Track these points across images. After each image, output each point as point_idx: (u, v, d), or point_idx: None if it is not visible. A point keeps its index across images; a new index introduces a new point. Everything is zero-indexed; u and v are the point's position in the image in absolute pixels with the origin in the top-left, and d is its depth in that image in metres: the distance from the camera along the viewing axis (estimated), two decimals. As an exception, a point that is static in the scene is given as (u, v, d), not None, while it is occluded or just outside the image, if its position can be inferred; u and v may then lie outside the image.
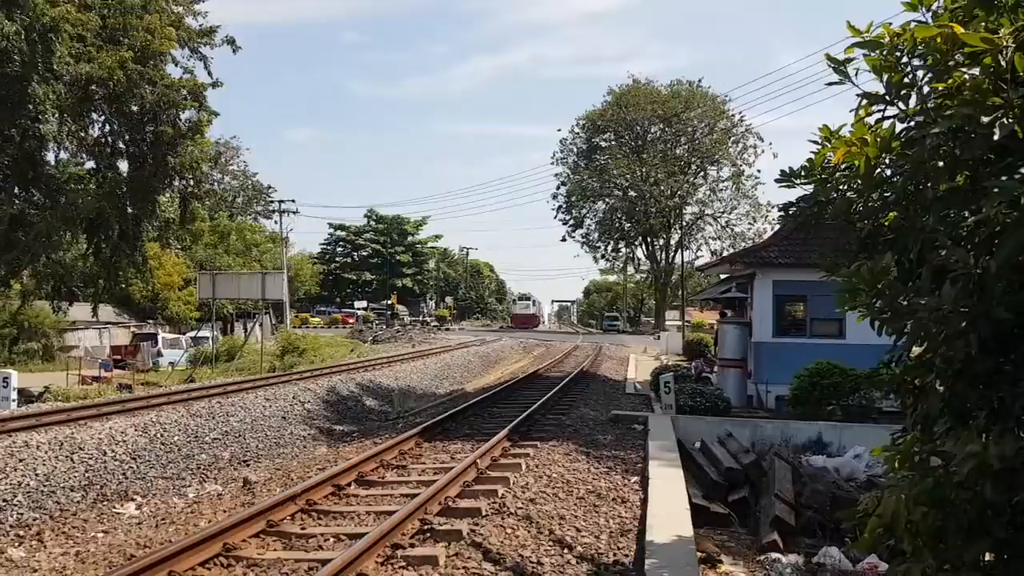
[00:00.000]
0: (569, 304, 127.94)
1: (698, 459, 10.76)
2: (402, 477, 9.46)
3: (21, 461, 8.69)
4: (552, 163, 68.77)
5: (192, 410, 12.24)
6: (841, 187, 4.03)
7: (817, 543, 8.35)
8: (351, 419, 15.34)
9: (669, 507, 7.30)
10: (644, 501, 7.99)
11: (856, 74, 3.75)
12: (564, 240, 69.09)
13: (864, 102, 3.77)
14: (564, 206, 68.02)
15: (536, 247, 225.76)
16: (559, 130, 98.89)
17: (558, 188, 67.94)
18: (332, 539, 6.80)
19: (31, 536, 7.48)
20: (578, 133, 66.99)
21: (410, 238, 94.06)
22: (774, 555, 7.68)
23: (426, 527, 6.98)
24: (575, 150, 67.50)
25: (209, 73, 24.38)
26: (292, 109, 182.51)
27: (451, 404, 17.10)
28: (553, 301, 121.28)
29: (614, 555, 6.44)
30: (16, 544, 7.25)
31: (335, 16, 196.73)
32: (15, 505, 7.94)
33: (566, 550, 6.58)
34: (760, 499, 9.64)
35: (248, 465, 10.97)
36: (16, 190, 21.80)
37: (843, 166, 3.95)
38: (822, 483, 9.76)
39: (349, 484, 8.91)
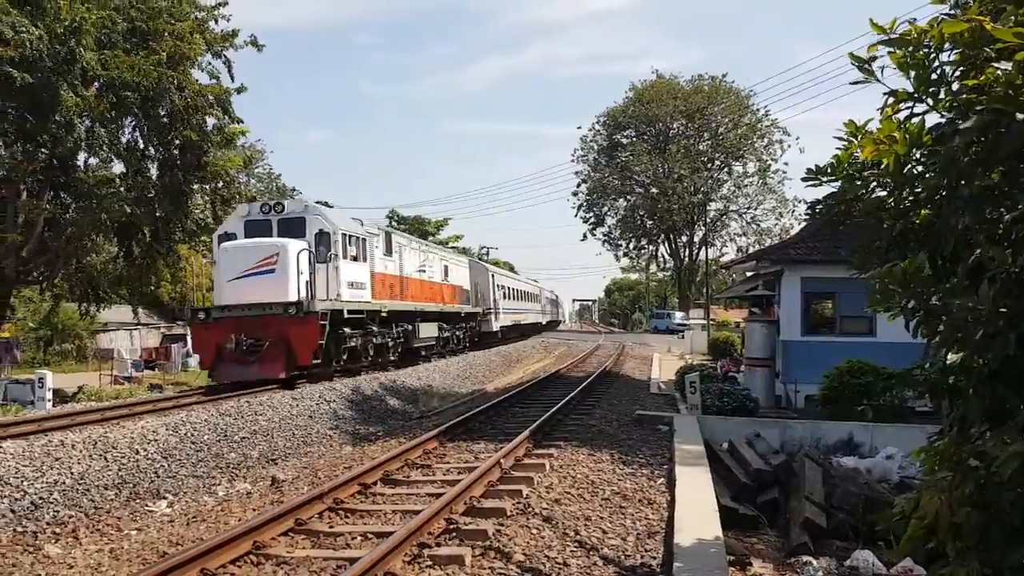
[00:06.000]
0: (590, 303, 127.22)
1: (726, 460, 10.66)
2: (427, 476, 9.51)
3: (57, 460, 8.85)
4: (572, 161, 68.56)
5: (221, 409, 12.39)
6: (870, 184, 3.98)
7: (849, 546, 8.23)
8: (375, 418, 15.42)
9: (697, 509, 7.24)
10: (671, 503, 7.93)
11: (882, 71, 3.69)
12: (584, 238, 68.77)
13: (891, 100, 3.71)
14: (585, 204, 67.78)
15: (557, 246, 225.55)
16: (579, 128, 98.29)
17: (578, 186, 67.73)
18: (359, 537, 6.85)
19: (67, 533, 7.61)
20: (599, 130, 66.77)
21: (431, 238, 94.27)
22: (805, 558, 7.58)
23: (452, 527, 7.01)
24: (596, 147, 67.26)
25: (232, 78, 24.69)
26: (313, 111, 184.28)
27: (473, 404, 17.15)
28: (574, 300, 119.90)
29: (641, 557, 6.41)
30: (53, 541, 7.39)
31: (347, 19, 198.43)
32: (51, 503, 8.09)
33: (592, 552, 6.56)
34: (790, 501, 9.53)
35: (276, 464, 11.09)
36: (49, 195, 22.23)
37: (871, 163, 3.90)
38: (854, 485, 9.62)
39: (375, 483, 8.98)
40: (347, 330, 16.91)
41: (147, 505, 8.69)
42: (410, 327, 21.88)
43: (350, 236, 17.56)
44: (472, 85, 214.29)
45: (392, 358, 20.94)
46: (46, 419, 12.22)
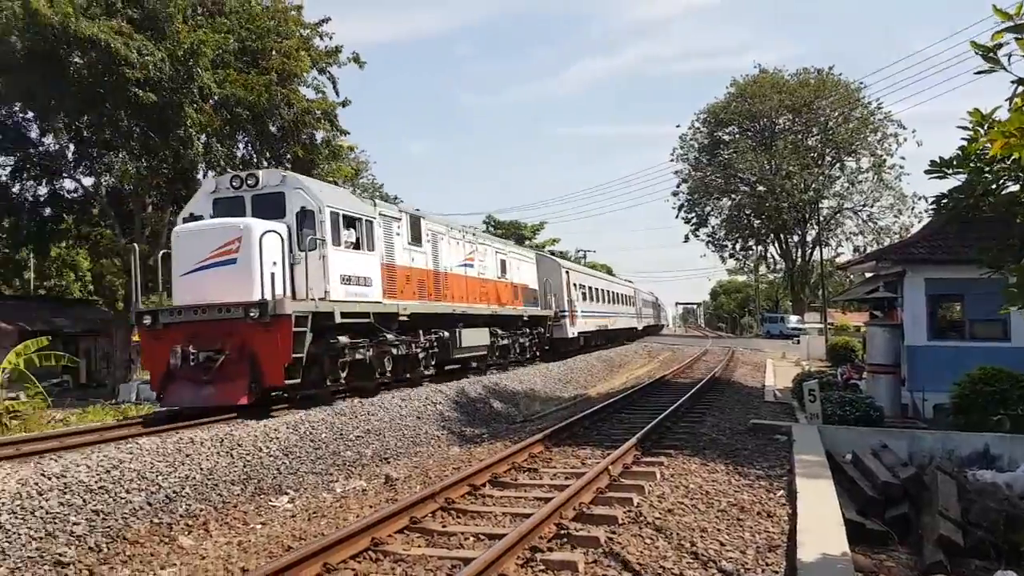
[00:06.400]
0: (695, 307, 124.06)
1: (850, 472, 10.08)
2: (534, 480, 9.53)
3: (188, 456, 9.39)
4: (672, 160, 67.13)
5: (336, 409, 12.86)
6: (1001, 178, 3.66)
7: (989, 566, 7.60)
8: (480, 421, 15.62)
9: (821, 523, 6.88)
10: (792, 516, 7.61)
11: (1008, 59, 3.37)
12: (687, 240, 67.12)
13: (1020, 88, 3.39)
14: (686, 204, 66.25)
15: (657, 248, 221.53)
16: (678, 126, 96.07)
17: (679, 185, 66.28)
18: (472, 538, 6.94)
19: (198, 526, 8.06)
20: (699, 128, 65.16)
21: (527, 242, 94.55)
22: (940, 577, 7.06)
23: (563, 532, 6.98)
24: (696, 145, 65.67)
25: (336, 93, 25.75)
26: (412, 121, 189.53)
27: (576, 409, 17.09)
28: (677, 304, 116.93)
29: (762, 571, 6.15)
30: (186, 532, 7.85)
31: (447, 31, 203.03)
32: (184, 496, 8.58)
33: (710, 564, 6.35)
34: (922, 517, 8.90)
35: (389, 462, 11.41)
36: (172, 207, 23.85)
37: (1001, 156, 3.56)
38: (993, 500, 8.88)
39: (484, 484, 9.09)
40: (343, 339, 13.25)
41: (270, 500, 9.11)
42: (447, 334, 17.66)
43: (345, 216, 13.68)
44: (569, 89, 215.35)
45: (428, 372, 17.20)
46: (176, 417, 13.02)
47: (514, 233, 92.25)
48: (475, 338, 19.16)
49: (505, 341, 22.19)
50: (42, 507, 7.27)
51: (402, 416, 13.80)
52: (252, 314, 11.47)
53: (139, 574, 6.70)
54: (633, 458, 10.35)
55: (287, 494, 9.39)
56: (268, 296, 11.62)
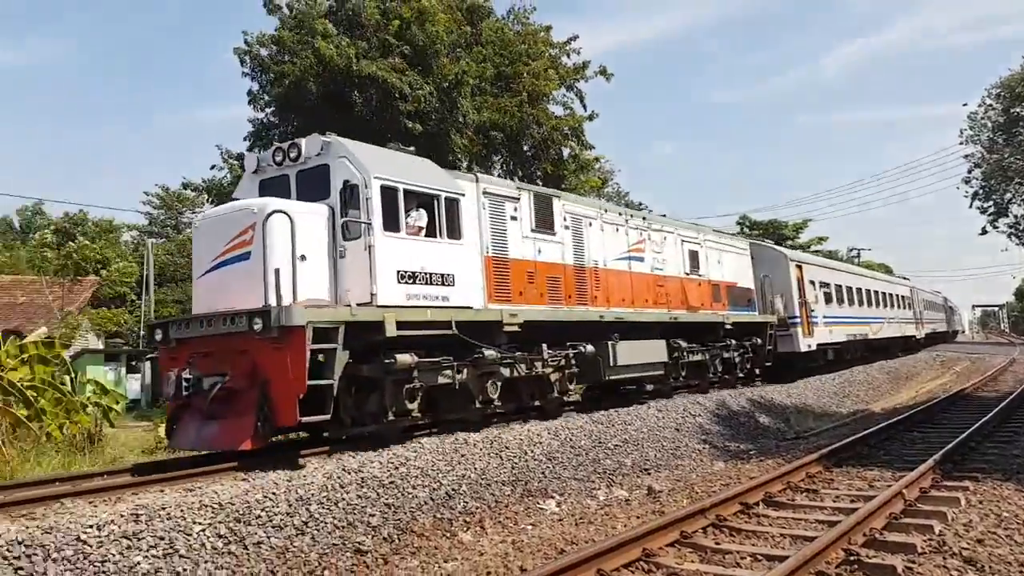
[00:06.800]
0: (997, 309, 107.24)
1: None
2: (813, 502, 8.80)
3: (463, 456, 9.99)
4: (961, 143, 58.59)
5: (594, 417, 12.99)
6: None
7: None
8: (744, 436, 14.85)
9: None
10: None
11: None
12: (984, 232, 58.18)
13: None
14: (981, 192, 57.59)
15: (943, 241, 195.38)
16: (965, 104, 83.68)
17: (970, 171, 57.66)
18: (748, 558, 6.55)
19: (475, 523, 8.53)
20: (991, 105, 56.26)
21: (789, 242, 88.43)
22: None
23: (852, 558, 6.33)
24: (989, 125, 56.83)
25: (584, 107, 26.24)
26: (660, 122, 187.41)
27: (857, 426, 15.60)
28: (975, 306, 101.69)
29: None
30: (464, 528, 8.35)
31: (694, 27, 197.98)
32: (461, 494, 9.13)
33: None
34: None
35: (649, 474, 11.26)
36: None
37: None
38: None
39: (757, 503, 8.57)
40: (404, 357, 9.98)
41: (538, 503, 9.40)
42: (592, 348, 13.63)
43: (409, 192, 10.33)
44: (832, 74, 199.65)
45: (568, 398, 13.53)
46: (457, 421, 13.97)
47: (774, 233, 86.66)
48: (640, 353, 14.82)
49: (697, 357, 17.38)
50: (343, 499, 8.02)
51: (660, 427, 13.56)
52: (255, 325, 8.63)
53: (426, 566, 7.18)
54: (931, 481, 9.15)
55: (553, 498, 9.63)
56: (271, 301, 8.72)
